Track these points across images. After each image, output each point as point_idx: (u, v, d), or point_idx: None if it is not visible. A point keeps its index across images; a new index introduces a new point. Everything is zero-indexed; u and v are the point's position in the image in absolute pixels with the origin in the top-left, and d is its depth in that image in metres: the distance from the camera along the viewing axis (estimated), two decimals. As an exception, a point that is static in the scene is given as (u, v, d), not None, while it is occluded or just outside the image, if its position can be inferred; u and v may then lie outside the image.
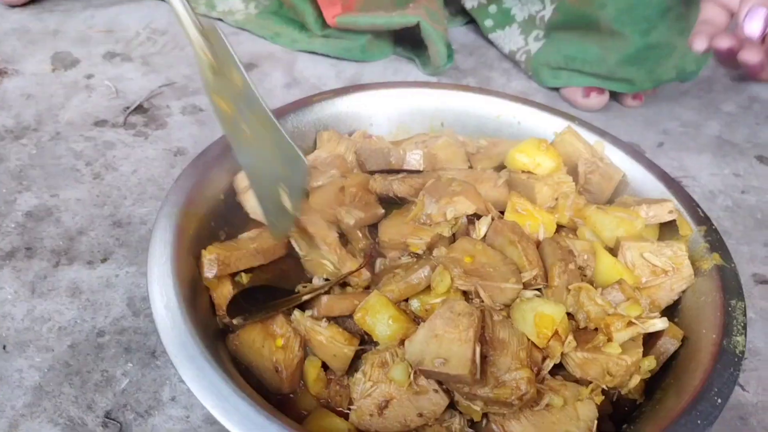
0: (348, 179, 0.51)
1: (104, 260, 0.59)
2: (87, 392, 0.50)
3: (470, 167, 0.57)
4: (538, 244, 0.46)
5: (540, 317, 0.39)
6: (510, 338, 0.39)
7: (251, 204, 0.51)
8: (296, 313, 0.44)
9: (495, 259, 0.43)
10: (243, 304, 0.45)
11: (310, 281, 0.49)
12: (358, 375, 0.40)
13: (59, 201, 0.64)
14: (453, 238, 0.48)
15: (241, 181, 0.51)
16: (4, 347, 0.52)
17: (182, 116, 0.76)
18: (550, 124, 0.59)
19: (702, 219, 0.51)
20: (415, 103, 0.62)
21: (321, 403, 0.42)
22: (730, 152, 0.78)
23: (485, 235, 0.47)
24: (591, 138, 0.57)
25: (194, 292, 0.44)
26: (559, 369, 0.42)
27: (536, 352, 0.40)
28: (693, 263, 0.48)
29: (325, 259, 0.48)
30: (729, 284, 0.45)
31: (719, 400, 0.38)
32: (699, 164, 0.76)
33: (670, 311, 0.48)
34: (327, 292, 0.45)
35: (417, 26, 0.81)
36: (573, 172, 0.55)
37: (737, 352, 0.41)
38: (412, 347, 0.38)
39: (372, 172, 0.54)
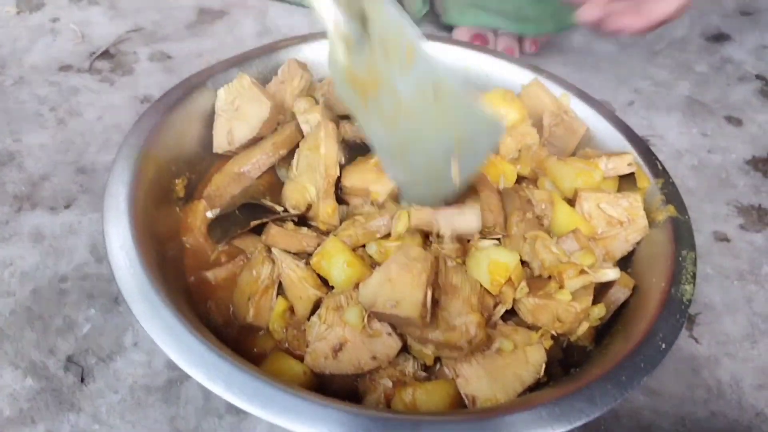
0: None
1: (67, 206, 0.59)
2: (49, 337, 0.50)
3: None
4: (499, 194, 0.47)
5: (494, 264, 0.40)
6: (462, 284, 0.39)
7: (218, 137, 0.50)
8: (276, 251, 0.45)
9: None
10: (223, 225, 0.46)
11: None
12: (314, 318, 0.40)
13: (22, 146, 0.63)
14: None
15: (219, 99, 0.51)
16: (-35, 291, 0.52)
17: (150, 63, 0.75)
18: (519, 77, 0.59)
19: (660, 172, 0.52)
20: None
21: (278, 347, 0.43)
22: (699, 112, 0.79)
23: None
24: (557, 91, 0.57)
25: (151, 236, 0.44)
26: (511, 315, 0.43)
27: (489, 298, 0.41)
28: (648, 215, 0.49)
29: (311, 187, 0.47)
30: (681, 235, 0.46)
31: (663, 345, 0.39)
32: (668, 123, 0.76)
33: (624, 261, 0.49)
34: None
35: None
36: (538, 124, 0.55)
37: (684, 300, 0.42)
38: (365, 290, 0.38)
39: (340, 117, 0.53)
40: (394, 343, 0.39)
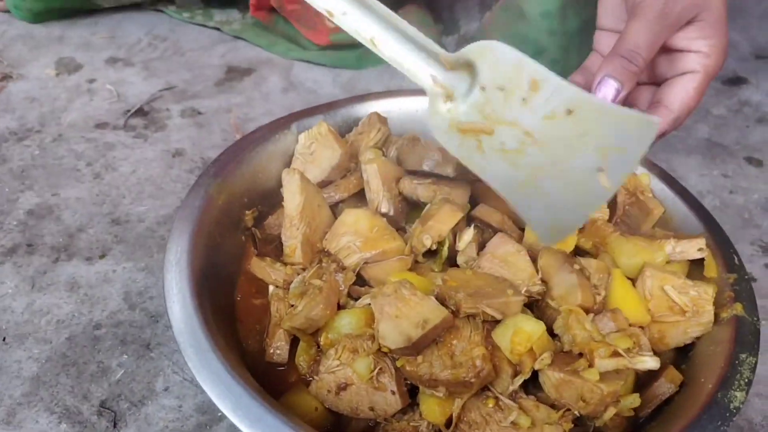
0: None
1: (102, 256, 0.61)
2: (83, 382, 0.51)
3: None
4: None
5: (517, 333, 0.40)
6: (463, 325, 0.40)
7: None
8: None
9: (488, 279, 0.44)
10: None
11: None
12: (331, 351, 0.41)
13: (60, 200, 0.66)
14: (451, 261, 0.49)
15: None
16: (4, 339, 0.54)
17: (181, 119, 0.78)
18: None
19: (735, 267, 0.49)
20: None
21: (302, 380, 0.44)
22: (719, 154, 0.80)
23: (467, 245, 0.48)
24: (639, 169, 0.56)
25: (209, 262, 0.46)
26: (537, 391, 0.42)
27: (508, 367, 0.41)
28: (715, 310, 0.46)
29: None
30: (744, 337, 0.43)
31: None
32: (688, 165, 0.77)
33: (680, 357, 0.47)
34: None
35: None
36: (611, 201, 0.54)
37: (731, 407, 0.39)
38: (388, 338, 0.39)
39: (409, 172, 0.55)
40: (394, 403, 0.40)
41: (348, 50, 0.88)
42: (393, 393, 0.40)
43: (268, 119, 0.78)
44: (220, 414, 0.50)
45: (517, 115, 0.42)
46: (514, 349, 0.41)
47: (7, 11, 0.94)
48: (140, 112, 0.78)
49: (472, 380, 0.38)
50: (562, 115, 0.41)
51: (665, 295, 0.46)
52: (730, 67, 0.98)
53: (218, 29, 0.94)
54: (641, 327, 0.45)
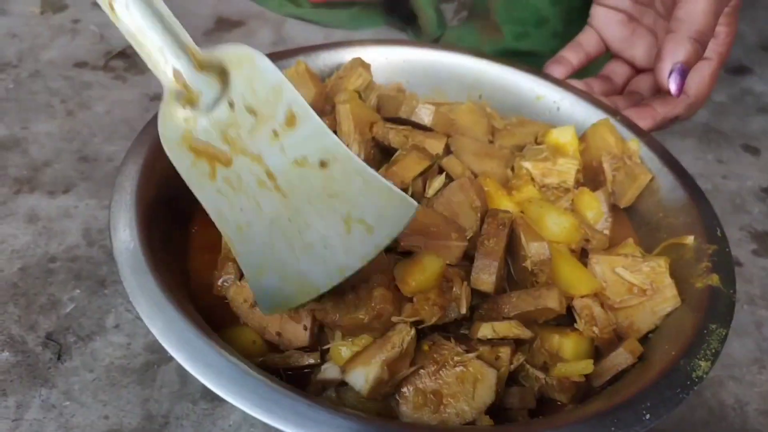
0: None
1: (66, 191, 0.59)
2: (31, 313, 0.49)
3: (491, 141, 0.54)
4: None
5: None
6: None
7: None
8: None
9: (436, 218, 0.42)
10: None
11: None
12: None
13: (29, 133, 0.64)
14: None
15: None
16: (-46, 265, 0.52)
17: (164, 64, 0.76)
18: (591, 115, 0.55)
19: (717, 238, 0.45)
20: (455, 69, 0.60)
21: None
22: (715, 139, 0.77)
23: (437, 192, 0.45)
24: (628, 135, 0.53)
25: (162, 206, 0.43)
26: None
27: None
28: (688, 280, 0.43)
29: None
30: (716, 308, 0.40)
31: (648, 416, 0.33)
32: (682, 148, 0.75)
33: None
34: None
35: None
36: (599, 167, 0.51)
37: (693, 375, 0.36)
38: None
39: (386, 119, 0.52)
40: (302, 337, 0.39)
41: (341, 8, 0.85)
42: (305, 328, 0.38)
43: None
44: (168, 354, 0.48)
45: (264, 149, 0.35)
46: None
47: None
48: (122, 54, 0.76)
49: (372, 323, 0.36)
50: (315, 166, 0.35)
51: (619, 277, 0.43)
52: (735, 56, 0.95)
53: (211, -20, 0.92)
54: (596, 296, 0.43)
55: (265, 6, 0.88)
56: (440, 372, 0.37)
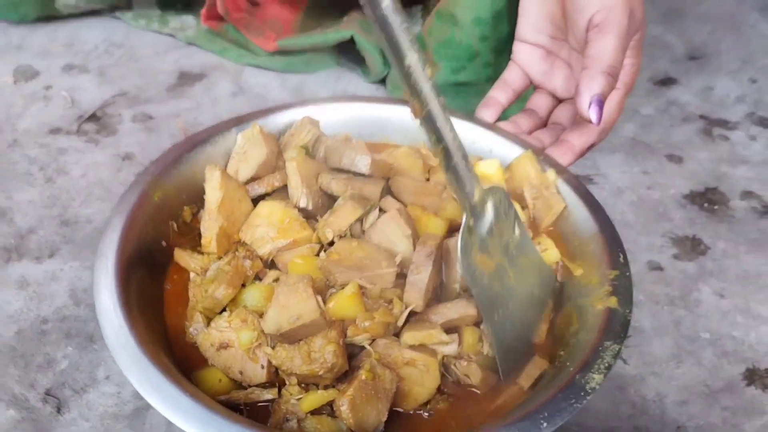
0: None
1: (51, 256, 0.65)
2: (30, 372, 0.55)
3: (427, 179, 0.61)
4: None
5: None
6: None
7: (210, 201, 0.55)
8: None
9: (369, 250, 0.49)
10: None
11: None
12: (225, 314, 0.47)
13: (12, 202, 0.70)
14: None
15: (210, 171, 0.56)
16: (-44, 334, 0.58)
17: (132, 124, 0.82)
18: (518, 154, 0.62)
19: (619, 264, 0.52)
20: (398, 118, 0.67)
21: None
22: (642, 152, 0.85)
23: (369, 227, 0.53)
24: (547, 168, 0.60)
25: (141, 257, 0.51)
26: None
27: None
28: (591, 302, 0.50)
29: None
30: (613, 327, 0.47)
31: (545, 424, 0.40)
32: (611, 163, 0.82)
33: (562, 344, 0.51)
34: None
35: (352, 40, 0.87)
36: (521, 197, 0.59)
37: (587, 387, 0.42)
38: (268, 323, 0.44)
39: (332, 169, 0.59)
40: (260, 375, 0.46)
41: (296, 55, 0.92)
42: (262, 367, 0.45)
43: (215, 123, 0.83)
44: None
45: (507, 256, 0.49)
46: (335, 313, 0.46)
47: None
48: (93, 117, 0.82)
49: (325, 375, 0.43)
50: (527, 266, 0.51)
51: None
52: (662, 69, 1.03)
53: (173, 36, 0.98)
54: None
55: (224, 57, 0.95)
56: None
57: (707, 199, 0.78)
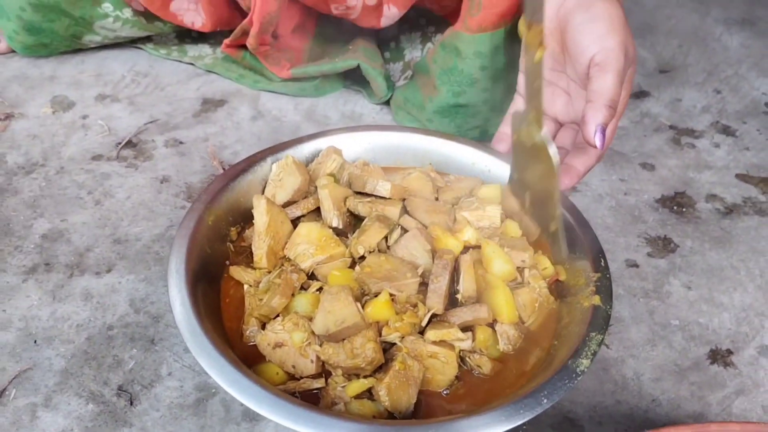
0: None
1: (108, 271, 0.74)
2: (102, 372, 0.65)
3: (436, 198, 0.72)
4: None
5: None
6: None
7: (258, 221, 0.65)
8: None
9: (396, 263, 0.59)
10: None
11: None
12: (279, 318, 0.57)
13: (68, 224, 0.79)
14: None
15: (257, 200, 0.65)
16: (35, 342, 0.67)
17: (165, 149, 0.91)
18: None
19: (601, 268, 0.62)
20: (409, 144, 0.78)
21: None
22: (618, 161, 0.95)
23: (396, 242, 0.63)
24: None
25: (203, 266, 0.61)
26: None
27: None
28: (579, 300, 0.61)
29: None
30: (597, 321, 0.57)
31: (545, 400, 0.50)
32: (592, 172, 0.92)
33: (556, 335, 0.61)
34: None
35: (358, 67, 0.97)
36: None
37: (578, 370, 0.53)
38: (317, 325, 0.54)
39: (357, 193, 0.69)
40: (311, 368, 0.56)
41: (307, 82, 1.02)
42: (312, 362, 0.56)
43: (239, 146, 0.92)
44: (213, 390, 0.64)
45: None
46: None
47: (9, 51, 1.06)
48: (129, 144, 0.92)
49: (366, 367, 0.54)
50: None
51: (531, 301, 0.63)
52: (636, 82, 1.14)
53: (192, 64, 1.07)
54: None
55: (240, 83, 1.04)
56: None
57: (676, 203, 0.89)
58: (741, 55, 1.24)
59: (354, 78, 1.04)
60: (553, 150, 0.58)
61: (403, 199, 0.68)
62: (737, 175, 0.95)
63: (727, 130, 1.04)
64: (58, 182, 0.85)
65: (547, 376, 0.52)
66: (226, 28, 1.03)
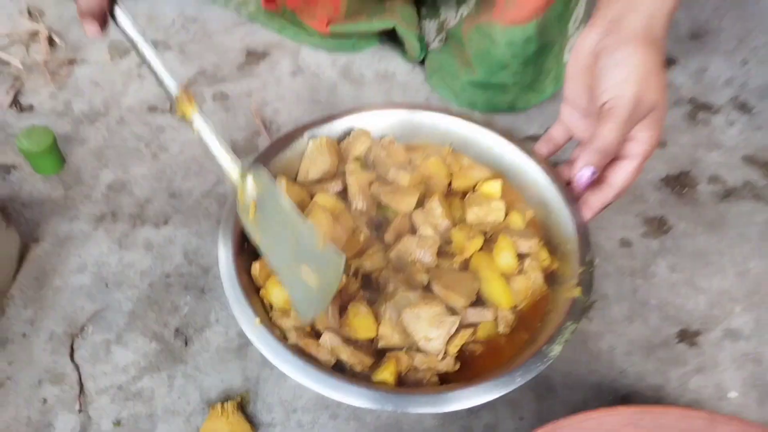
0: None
1: (165, 223, 0.86)
2: (162, 315, 0.78)
3: (449, 184, 0.80)
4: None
5: None
6: None
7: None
8: None
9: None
10: None
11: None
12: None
13: (130, 176, 0.91)
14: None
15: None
16: (107, 285, 0.80)
17: (213, 102, 1.00)
18: (526, 162, 0.80)
19: (586, 262, 0.70)
20: (432, 124, 0.84)
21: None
22: (632, 136, 1.01)
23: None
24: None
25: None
26: None
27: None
28: (563, 292, 0.69)
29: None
30: (574, 311, 0.66)
31: (519, 378, 0.60)
32: (604, 148, 0.99)
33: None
34: None
35: (394, 30, 1.03)
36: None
37: (550, 354, 0.62)
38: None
39: (380, 177, 0.79)
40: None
41: (344, 39, 1.08)
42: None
43: (279, 103, 1.01)
44: (252, 338, 0.77)
45: (273, 221, 0.66)
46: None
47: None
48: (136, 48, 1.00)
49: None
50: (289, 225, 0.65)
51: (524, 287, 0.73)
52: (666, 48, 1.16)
53: (236, 12, 1.13)
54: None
55: (282, 35, 1.11)
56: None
57: (679, 183, 0.96)
58: (777, 20, 1.24)
59: (389, 35, 1.10)
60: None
61: (423, 184, 0.78)
62: (743, 157, 1.00)
63: (744, 107, 1.07)
64: (119, 133, 0.95)
65: (524, 359, 0.64)
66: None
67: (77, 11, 0.62)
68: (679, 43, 1.17)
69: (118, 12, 0.64)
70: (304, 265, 0.64)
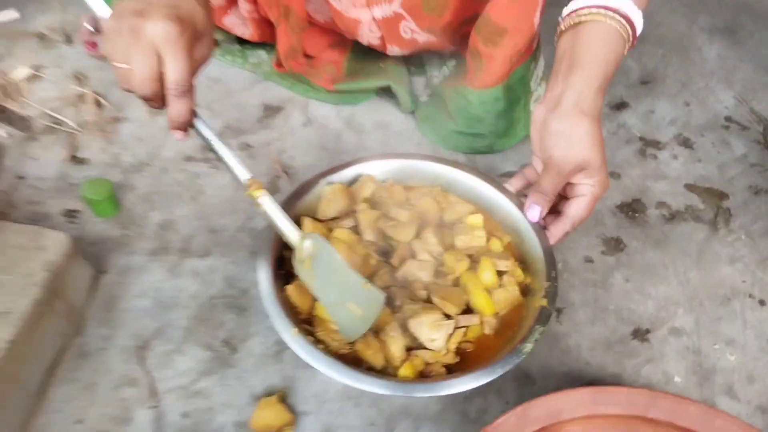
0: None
1: (207, 254, 1.04)
2: (212, 330, 0.95)
3: (441, 216, 0.98)
4: None
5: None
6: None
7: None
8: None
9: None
10: None
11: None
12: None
13: (175, 216, 1.08)
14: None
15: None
16: (164, 306, 0.97)
17: (239, 152, 1.19)
18: (502, 199, 0.98)
19: (552, 278, 0.85)
20: (425, 170, 1.02)
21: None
22: (592, 171, 1.21)
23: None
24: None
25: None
26: None
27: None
28: (534, 302, 0.86)
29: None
30: (542, 317, 0.81)
31: (499, 370, 0.74)
32: (569, 181, 1.18)
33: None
34: None
35: (388, 86, 1.23)
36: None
37: (523, 351, 0.77)
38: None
39: (384, 214, 0.96)
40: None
41: (347, 95, 1.27)
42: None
43: (294, 151, 1.19)
44: (286, 345, 0.94)
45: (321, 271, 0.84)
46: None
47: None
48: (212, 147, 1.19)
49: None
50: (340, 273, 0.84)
51: (504, 297, 0.90)
52: (618, 93, 1.37)
53: (253, 72, 1.32)
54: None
55: (293, 91, 1.30)
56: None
57: (632, 209, 1.16)
58: (715, 66, 1.45)
59: (385, 89, 1.29)
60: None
61: (419, 221, 0.96)
62: (686, 185, 1.20)
63: (686, 143, 1.28)
64: (163, 180, 1.13)
65: (503, 355, 0.82)
66: (269, 41, 1.27)
67: (168, 123, 0.76)
68: (630, 88, 1.38)
69: (198, 122, 0.81)
70: (350, 302, 0.83)
